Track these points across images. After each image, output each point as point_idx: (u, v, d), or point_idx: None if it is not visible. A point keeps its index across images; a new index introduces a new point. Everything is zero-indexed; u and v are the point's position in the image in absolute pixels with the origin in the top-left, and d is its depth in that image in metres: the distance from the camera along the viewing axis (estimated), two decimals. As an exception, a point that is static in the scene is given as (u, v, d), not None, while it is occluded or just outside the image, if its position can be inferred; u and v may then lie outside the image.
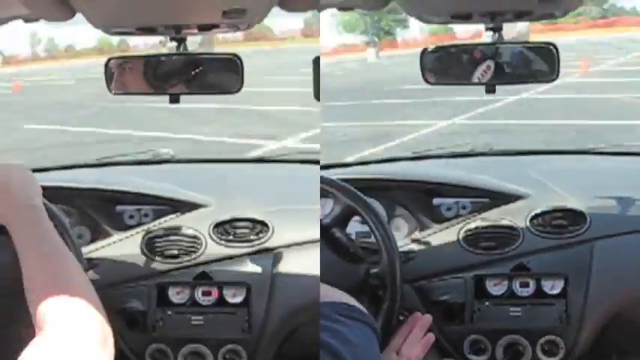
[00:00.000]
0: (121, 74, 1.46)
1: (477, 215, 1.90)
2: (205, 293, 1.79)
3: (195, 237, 1.84)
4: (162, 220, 1.89)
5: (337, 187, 1.64)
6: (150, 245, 1.83)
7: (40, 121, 12.67)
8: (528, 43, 1.43)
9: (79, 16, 1.21)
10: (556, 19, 1.37)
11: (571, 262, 1.80)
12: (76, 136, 10.66)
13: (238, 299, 1.79)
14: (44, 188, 1.21)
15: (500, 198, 1.92)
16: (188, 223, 1.87)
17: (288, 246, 1.84)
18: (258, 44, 38.91)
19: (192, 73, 1.42)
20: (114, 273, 1.79)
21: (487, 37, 1.37)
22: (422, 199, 1.94)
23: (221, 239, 1.84)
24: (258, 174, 2.33)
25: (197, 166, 2.47)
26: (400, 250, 1.59)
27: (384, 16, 38.70)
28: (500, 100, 11.85)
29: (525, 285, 1.80)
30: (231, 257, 1.83)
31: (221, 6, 1.20)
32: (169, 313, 1.79)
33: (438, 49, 1.46)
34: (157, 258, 1.82)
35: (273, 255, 1.83)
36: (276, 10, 1.28)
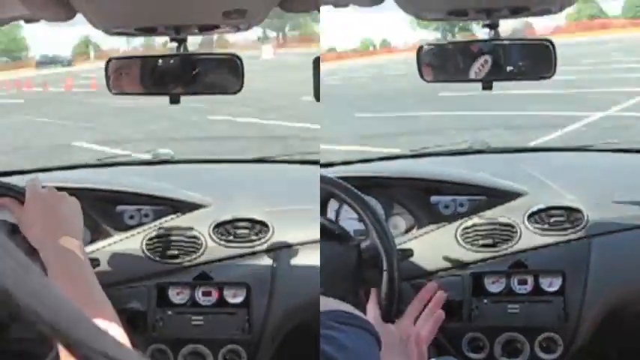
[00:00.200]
0: (121, 74, 1.46)
1: (475, 213, 1.90)
2: (205, 293, 1.80)
3: (195, 237, 1.84)
4: (162, 220, 1.89)
5: (334, 184, 1.64)
6: (150, 245, 1.83)
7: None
8: (524, 39, 1.44)
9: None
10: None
11: (569, 259, 1.80)
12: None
13: (238, 299, 1.79)
14: (44, 188, 1.21)
15: (498, 195, 1.92)
16: (188, 223, 1.87)
17: (288, 246, 1.84)
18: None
19: (193, 73, 1.42)
20: (114, 273, 1.78)
21: (484, 34, 1.38)
22: (420, 196, 1.94)
23: (221, 239, 1.84)
24: (258, 174, 2.33)
25: (197, 167, 2.46)
26: (398, 247, 1.60)
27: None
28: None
29: (523, 282, 1.80)
30: (231, 257, 1.83)
31: (221, 6, 1.20)
32: (169, 313, 1.79)
33: (434, 46, 1.47)
34: (157, 258, 1.82)
35: (273, 255, 1.84)
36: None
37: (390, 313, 1.33)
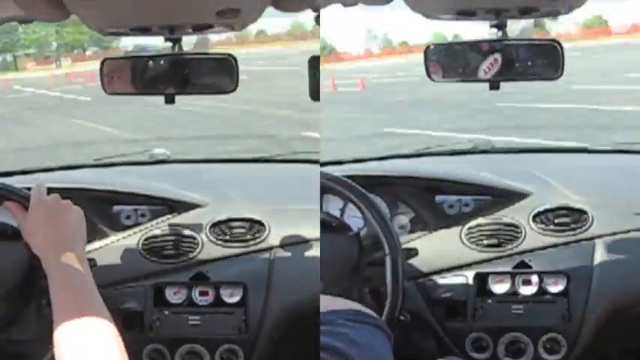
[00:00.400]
0: (116, 75, 1.45)
1: (480, 213, 1.89)
2: (202, 293, 1.79)
3: (192, 237, 1.84)
4: (159, 220, 1.89)
5: (339, 182, 1.63)
6: (147, 245, 1.83)
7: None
8: (532, 40, 1.41)
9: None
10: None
11: (573, 260, 1.80)
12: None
13: (235, 299, 1.79)
14: (49, 195, 1.20)
15: (502, 195, 1.92)
16: (185, 223, 1.87)
17: (285, 246, 1.84)
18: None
19: (187, 73, 1.41)
20: (111, 273, 1.78)
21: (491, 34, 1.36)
22: (425, 196, 1.94)
23: (218, 239, 1.84)
24: (254, 174, 2.34)
25: (193, 167, 2.47)
26: (403, 246, 1.58)
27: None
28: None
29: (527, 283, 1.80)
30: (227, 257, 1.83)
31: (215, 6, 1.20)
32: (166, 313, 1.78)
33: (441, 45, 1.46)
34: (154, 258, 1.82)
35: (269, 255, 1.83)
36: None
37: (395, 312, 1.33)
